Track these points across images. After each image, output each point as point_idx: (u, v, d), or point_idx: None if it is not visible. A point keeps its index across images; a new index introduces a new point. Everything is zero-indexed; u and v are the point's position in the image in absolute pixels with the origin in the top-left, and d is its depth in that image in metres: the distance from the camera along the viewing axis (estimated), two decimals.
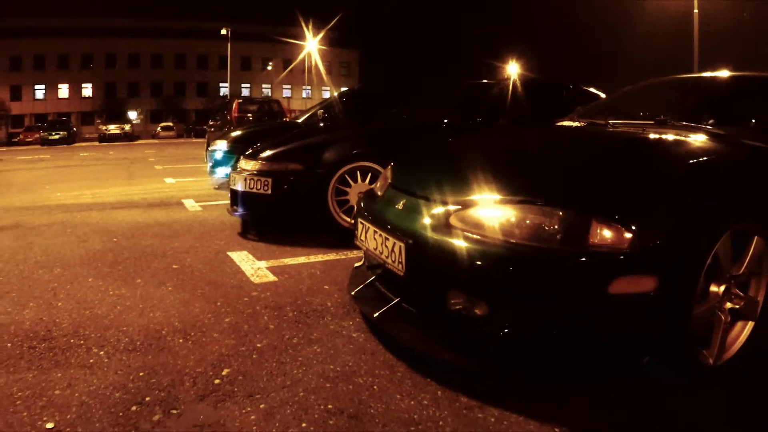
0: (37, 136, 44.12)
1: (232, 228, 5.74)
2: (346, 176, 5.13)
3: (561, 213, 2.16)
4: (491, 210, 2.35)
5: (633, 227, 2.08)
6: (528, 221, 2.21)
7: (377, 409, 2.16)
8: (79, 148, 32.40)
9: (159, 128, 55.87)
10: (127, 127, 47.15)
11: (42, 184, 11.11)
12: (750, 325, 2.58)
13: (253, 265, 4.24)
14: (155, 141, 45.94)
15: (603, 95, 6.38)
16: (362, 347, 2.73)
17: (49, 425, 2.05)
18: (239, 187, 5.39)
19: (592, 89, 6.74)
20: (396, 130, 5.67)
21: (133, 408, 2.17)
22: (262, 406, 2.18)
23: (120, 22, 70.31)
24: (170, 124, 57.83)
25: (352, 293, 3.07)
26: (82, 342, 2.81)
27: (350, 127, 6.18)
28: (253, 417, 2.10)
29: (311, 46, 53.87)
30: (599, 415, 2.15)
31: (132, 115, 65.54)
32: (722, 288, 2.44)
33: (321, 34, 52.49)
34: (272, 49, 75.64)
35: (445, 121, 5.69)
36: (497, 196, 2.39)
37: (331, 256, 4.43)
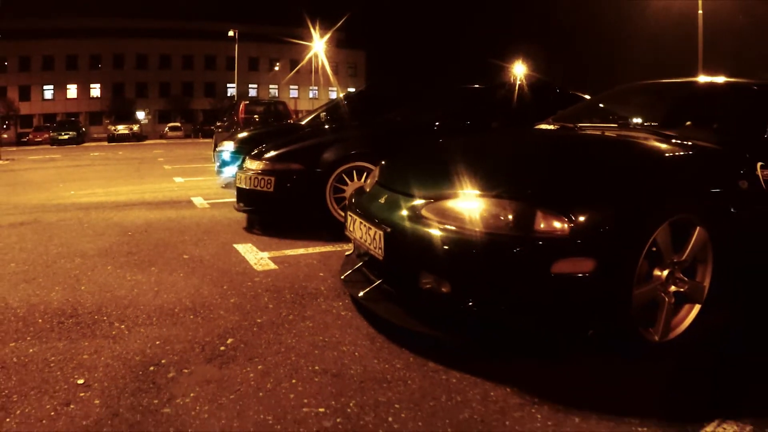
0: (46, 136, 44.68)
1: (238, 223, 6.15)
2: (344, 175, 5.52)
3: (512, 204, 2.55)
4: (457, 202, 2.74)
5: (573, 217, 2.46)
6: (486, 212, 2.60)
7: (356, 370, 2.55)
8: (88, 148, 32.94)
9: (167, 128, 56.34)
10: (135, 127, 47.65)
11: (55, 182, 11.56)
12: (697, 307, 2.93)
13: (257, 256, 4.64)
14: (163, 141, 46.44)
15: (588, 98, 6.74)
16: (349, 323, 3.13)
17: (80, 381, 2.46)
18: (245, 185, 5.79)
19: (578, 93, 7.10)
20: (391, 132, 6.05)
21: (151, 368, 2.58)
22: (259, 367, 2.59)
23: (128, 22, 70.73)
24: (178, 124, 58.35)
25: (342, 277, 3.48)
26: (105, 318, 3.22)
27: (348, 129, 6.57)
28: (251, 375, 2.51)
29: (318, 47, 54.35)
30: (547, 376, 2.54)
31: (140, 115, 65.98)
32: (665, 272, 2.79)
33: (328, 35, 52.97)
34: (279, 50, 75.98)
35: (437, 123, 6.08)
36: (463, 191, 2.78)
37: (328, 248, 4.82)
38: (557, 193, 2.60)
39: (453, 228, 2.64)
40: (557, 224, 2.46)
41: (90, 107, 71.53)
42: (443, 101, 7.12)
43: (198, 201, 8.09)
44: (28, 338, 2.94)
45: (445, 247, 2.61)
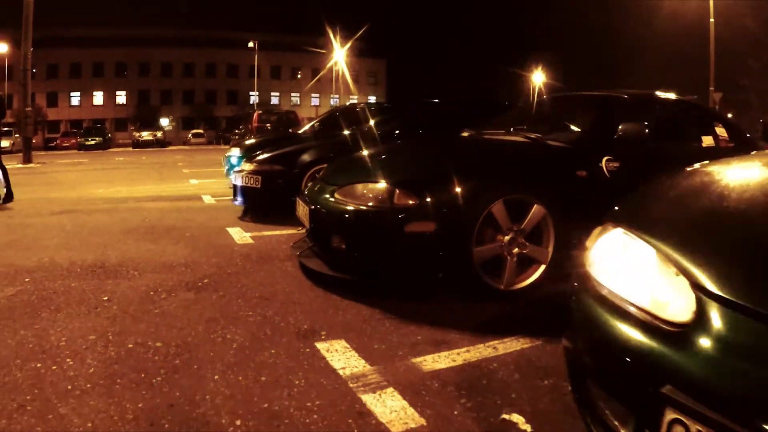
0: (73, 141, 46.26)
1: (235, 213, 7.58)
2: (316, 175, 6.88)
3: (381, 187, 3.89)
4: (355, 187, 4.08)
5: (421, 194, 3.76)
6: (367, 192, 3.93)
7: (281, 298, 3.91)
8: (114, 153, 34.74)
9: (190, 135, 57.91)
10: (159, 133, 49.13)
11: (85, 183, 13.10)
12: (542, 267, 4.07)
13: (241, 235, 6.05)
14: (186, 147, 48.19)
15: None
16: (291, 274, 4.50)
17: (105, 298, 3.87)
18: (239, 182, 7.21)
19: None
20: (357, 140, 7.40)
21: (151, 293, 3.98)
22: (220, 293, 3.98)
23: (153, 31, 72.48)
24: (201, 131, 59.94)
25: (291, 245, 4.86)
26: (124, 269, 4.64)
27: (323, 137, 7.95)
28: (214, 297, 3.90)
29: (339, 56, 55.66)
30: (415, 307, 3.86)
31: (164, 122, 67.85)
32: (507, 237, 3.94)
33: (348, 45, 54.27)
34: (301, 59, 77.34)
35: (397, 132, 7.44)
36: (360, 180, 4.12)
37: (298, 231, 6.19)
38: (412, 179, 3.93)
39: (348, 204, 3.98)
40: (408, 198, 3.77)
41: (116, 114, 73.53)
42: (404, 113, 8.47)
43: (207, 198, 9.56)
44: (71, 278, 4.35)
45: (344, 216, 3.95)
